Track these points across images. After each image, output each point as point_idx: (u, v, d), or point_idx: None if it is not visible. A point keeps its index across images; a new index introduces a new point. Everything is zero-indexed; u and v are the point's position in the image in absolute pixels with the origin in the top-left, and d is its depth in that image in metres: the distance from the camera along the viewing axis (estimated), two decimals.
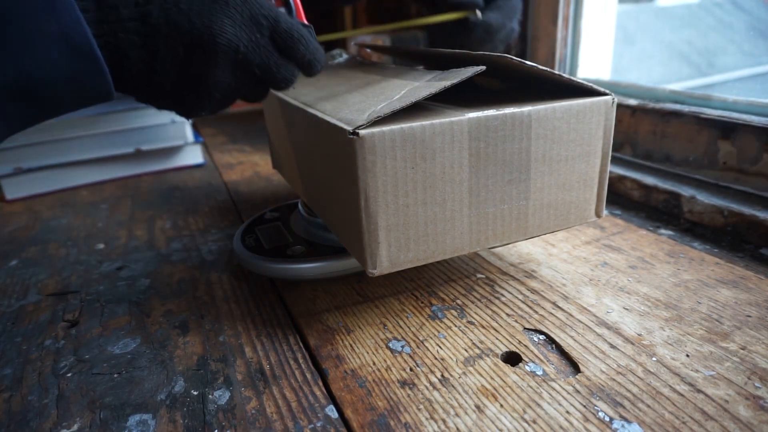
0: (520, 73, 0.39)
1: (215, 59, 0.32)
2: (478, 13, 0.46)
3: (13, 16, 0.27)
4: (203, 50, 0.31)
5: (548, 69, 0.36)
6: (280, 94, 0.47)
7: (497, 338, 0.37)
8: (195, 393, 0.34)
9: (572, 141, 0.38)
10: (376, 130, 0.31)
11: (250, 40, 0.33)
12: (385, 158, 0.32)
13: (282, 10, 0.39)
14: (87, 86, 0.30)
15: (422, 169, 0.33)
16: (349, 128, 0.31)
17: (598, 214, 0.41)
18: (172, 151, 0.87)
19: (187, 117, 0.36)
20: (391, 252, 0.35)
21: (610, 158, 0.40)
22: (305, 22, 0.38)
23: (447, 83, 0.33)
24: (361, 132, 0.31)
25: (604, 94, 0.38)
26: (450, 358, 0.36)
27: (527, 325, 0.39)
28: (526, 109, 0.35)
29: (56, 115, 0.31)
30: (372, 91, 0.39)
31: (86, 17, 0.29)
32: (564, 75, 0.36)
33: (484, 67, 0.35)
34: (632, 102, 0.64)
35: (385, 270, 0.35)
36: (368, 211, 0.33)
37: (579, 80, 0.37)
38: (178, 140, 0.85)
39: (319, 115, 0.36)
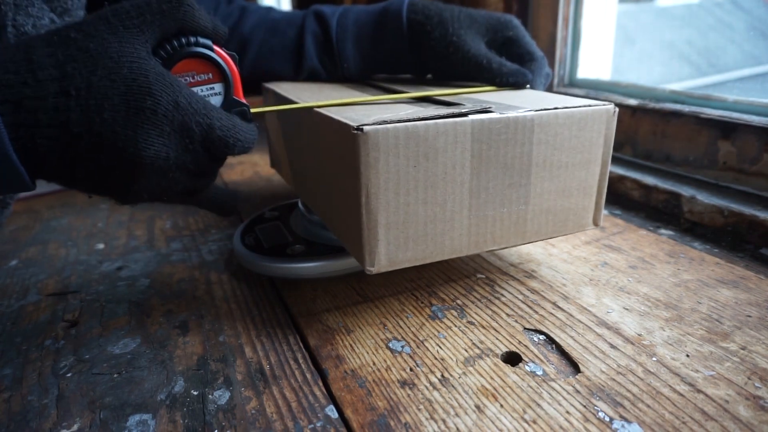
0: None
1: (140, 171, 0.31)
2: (528, 86, 0.47)
3: None
4: (128, 163, 0.30)
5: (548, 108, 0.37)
6: (282, 93, 0.47)
7: (497, 338, 0.37)
8: (195, 393, 0.34)
9: (573, 148, 0.38)
10: (380, 127, 0.32)
11: (180, 146, 0.31)
12: (388, 155, 0.32)
13: (220, 86, 0.36)
14: (1, 184, 0.29)
15: (424, 168, 0.34)
16: (354, 124, 0.32)
17: (595, 223, 0.42)
18: None
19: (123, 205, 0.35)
20: (389, 250, 0.35)
21: (609, 167, 0.40)
22: (242, 99, 0.37)
23: (455, 110, 0.34)
24: (366, 128, 0.31)
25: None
26: (450, 358, 0.36)
27: (527, 325, 0.39)
28: (529, 113, 0.35)
29: None
30: (378, 107, 0.39)
31: (3, 120, 0.27)
32: (559, 106, 0.37)
33: (492, 106, 0.36)
34: (632, 102, 0.64)
35: (383, 268, 0.35)
36: (369, 207, 0.33)
37: (578, 101, 0.38)
38: None
39: (324, 112, 0.37)
